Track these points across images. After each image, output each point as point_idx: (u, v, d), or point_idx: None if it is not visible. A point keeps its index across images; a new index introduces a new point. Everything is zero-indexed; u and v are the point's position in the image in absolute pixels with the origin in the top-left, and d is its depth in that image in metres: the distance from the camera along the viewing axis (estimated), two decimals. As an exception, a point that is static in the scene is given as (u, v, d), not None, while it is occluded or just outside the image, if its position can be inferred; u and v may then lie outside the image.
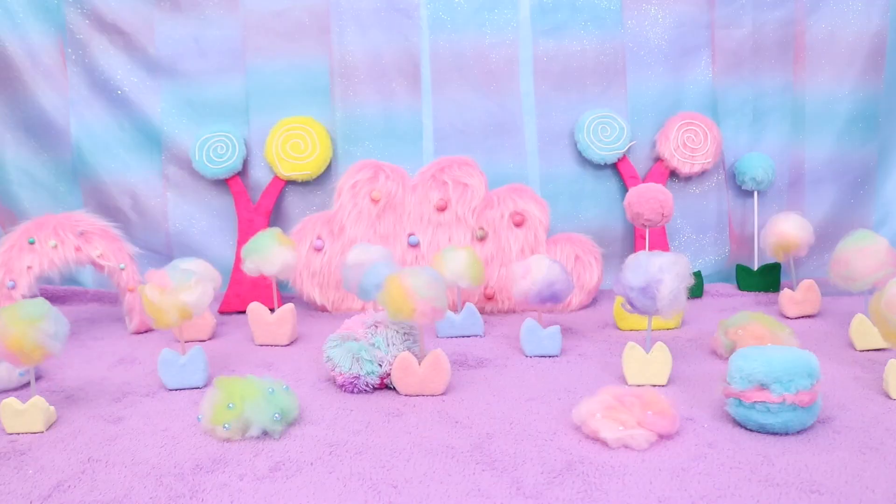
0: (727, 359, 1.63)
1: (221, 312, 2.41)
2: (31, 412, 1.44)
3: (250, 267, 2.02)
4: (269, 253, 2.00)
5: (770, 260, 2.42)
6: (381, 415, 1.48)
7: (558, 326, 1.85)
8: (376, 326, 1.65)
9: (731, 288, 2.52)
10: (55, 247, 2.07)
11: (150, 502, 1.15)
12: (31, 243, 2.06)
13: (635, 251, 2.32)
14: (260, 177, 2.59)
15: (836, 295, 2.13)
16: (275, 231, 2.06)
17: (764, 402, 1.29)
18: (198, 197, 2.63)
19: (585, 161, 2.56)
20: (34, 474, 1.26)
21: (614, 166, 2.56)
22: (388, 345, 1.62)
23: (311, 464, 1.26)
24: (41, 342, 1.42)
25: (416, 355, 1.60)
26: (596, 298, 2.42)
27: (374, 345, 1.62)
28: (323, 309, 2.40)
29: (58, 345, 1.46)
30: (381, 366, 1.60)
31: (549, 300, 1.83)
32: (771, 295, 2.41)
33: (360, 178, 2.37)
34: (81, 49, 2.56)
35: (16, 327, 1.40)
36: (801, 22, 2.54)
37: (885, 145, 2.58)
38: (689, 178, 2.59)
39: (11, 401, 1.44)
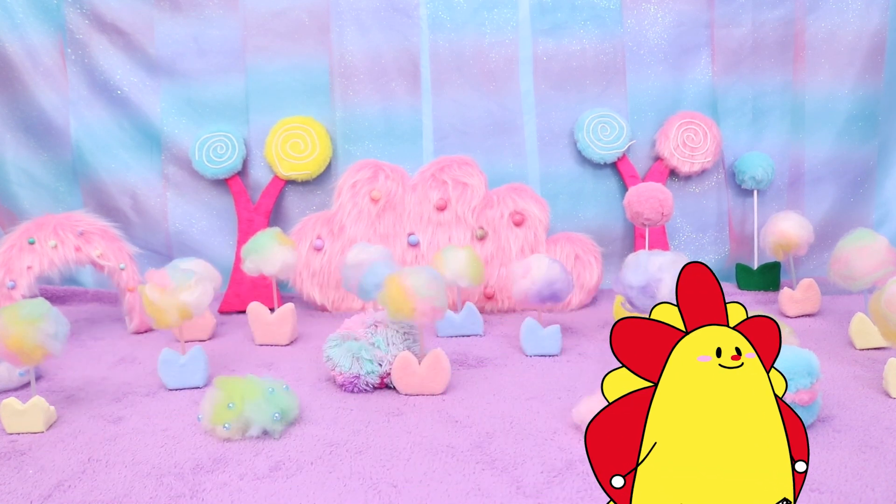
0: (727, 358, 1.63)
1: (221, 312, 2.41)
2: (31, 412, 1.44)
3: (250, 267, 2.02)
4: (269, 253, 2.00)
5: (770, 259, 2.41)
6: (381, 414, 1.48)
7: (558, 326, 1.85)
8: (376, 326, 1.65)
9: (730, 287, 2.52)
10: (55, 247, 2.07)
11: (151, 502, 1.15)
12: (31, 243, 2.06)
13: (635, 250, 2.32)
14: (260, 177, 2.59)
15: (835, 294, 2.14)
16: (275, 231, 2.06)
17: (764, 401, 1.28)
18: (198, 197, 2.63)
19: (585, 160, 2.56)
20: (34, 474, 1.26)
21: (614, 165, 2.56)
22: (388, 344, 1.62)
23: (312, 463, 1.26)
24: (41, 342, 1.42)
25: (416, 355, 1.60)
26: (596, 298, 2.42)
27: (374, 344, 1.62)
28: (323, 309, 2.40)
29: (58, 345, 1.46)
30: (381, 365, 1.60)
31: (549, 299, 1.83)
32: (771, 294, 2.41)
33: (360, 177, 2.37)
34: (81, 49, 2.56)
35: (16, 327, 1.41)
36: (801, 21, 2.54)
37: (885, 144, 2.58)
38: (688, 178, 2.59)
39: (11, 401, 1.44)
